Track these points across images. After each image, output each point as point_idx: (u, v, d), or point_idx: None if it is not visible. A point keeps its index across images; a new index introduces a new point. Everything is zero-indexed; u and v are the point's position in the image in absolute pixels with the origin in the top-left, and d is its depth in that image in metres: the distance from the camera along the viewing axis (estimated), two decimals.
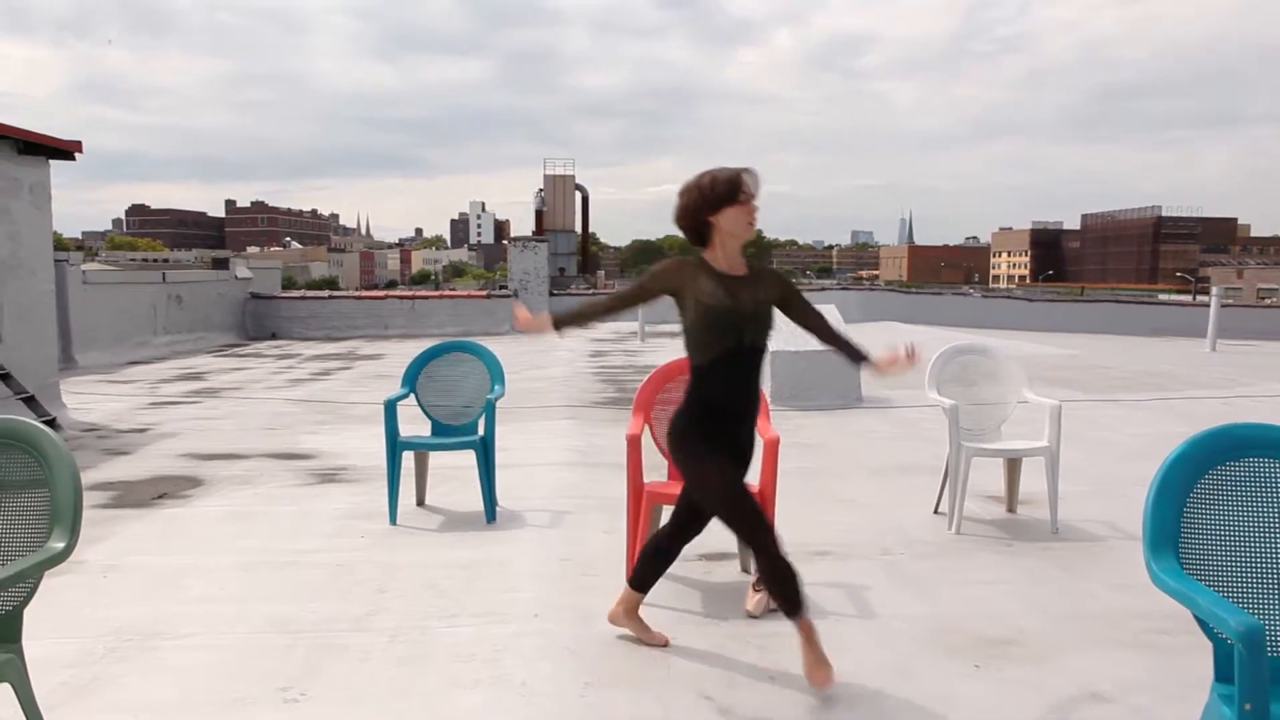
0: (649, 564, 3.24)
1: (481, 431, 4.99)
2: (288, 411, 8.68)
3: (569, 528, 4.76)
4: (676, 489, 3.85)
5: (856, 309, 18.96)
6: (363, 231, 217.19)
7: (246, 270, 19.00)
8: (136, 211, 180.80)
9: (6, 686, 2.26)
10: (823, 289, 27.31)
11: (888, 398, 8.18)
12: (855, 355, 3.15)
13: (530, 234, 31.40)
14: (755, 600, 3.55)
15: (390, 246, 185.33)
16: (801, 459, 6.13)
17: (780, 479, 3.72)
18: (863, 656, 3.15)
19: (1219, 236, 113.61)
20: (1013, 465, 4.97)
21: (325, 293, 22.40)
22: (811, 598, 3.38)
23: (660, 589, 3.82)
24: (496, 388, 5.08)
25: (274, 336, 17.76)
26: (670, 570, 4.06)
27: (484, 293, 20.84)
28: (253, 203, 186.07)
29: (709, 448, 2.92)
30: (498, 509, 4.95)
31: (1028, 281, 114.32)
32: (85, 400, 9.16)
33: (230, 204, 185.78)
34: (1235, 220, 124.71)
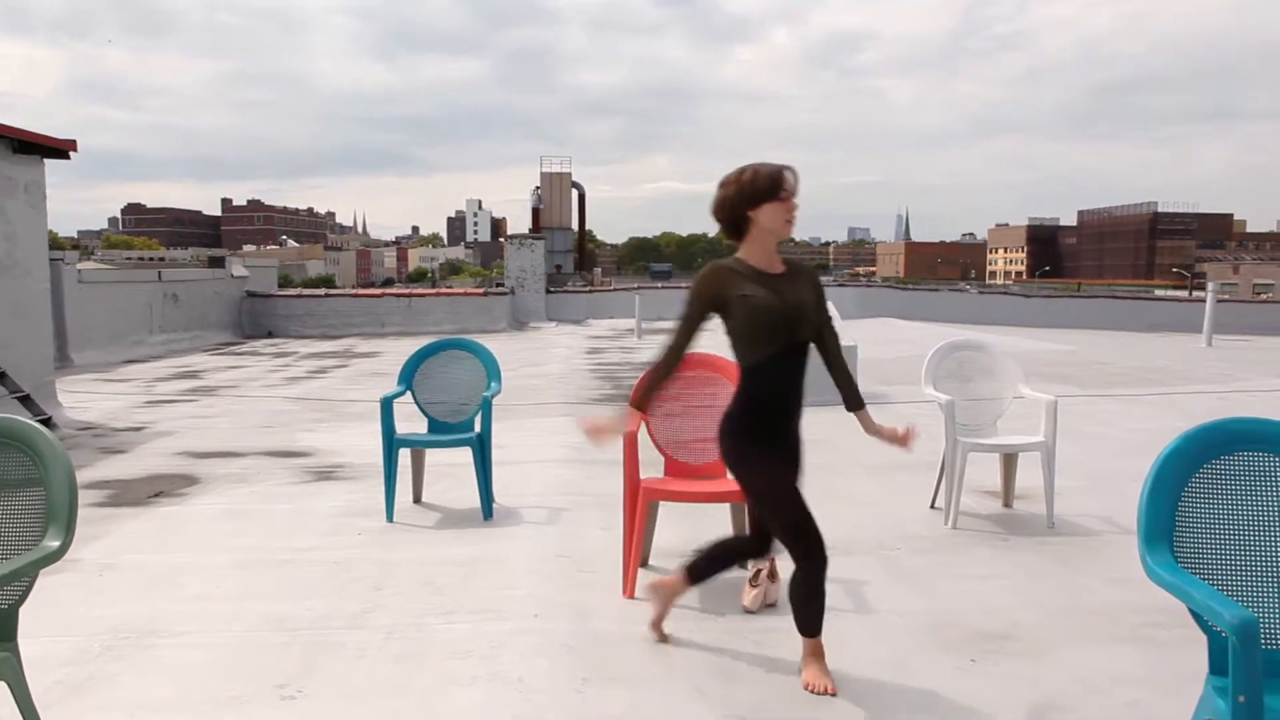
0: (714, 562, 3.18)
1: (478, 429, 4.99)
2: (284, 409, 8.67)
3: (566, 524, 4.76)
4: (673, 485, 3.87)
5: (853, 305, 18.98)
6: (359, 230, 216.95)
7: (243, 269, 18.96)
8: (132, 210, 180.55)
9: (2, 685, 2.26)
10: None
11: (884, 394, 8.18)
12: (852, 398, 3.06)
13: (527, 231, 31.39)
14: (752, 595, 3.55)
15: (387, 244, 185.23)
16: None
17: None
18: (860, 651, 3.15)
19: (1215, 232, 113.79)
20: (1009, 460, 4.98)
21: (321, 291, 22.37)
22: None
23: None
24: (493, 385, 5.08)
25: (270, 335, 17.73)
26: (667, 566, 4.07)
27: (480, 290, 20.82)
28: (249, 201, 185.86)
29: (760, 450, 2.88)
30: (494, 506, 4.95)
31: (1024, 277, 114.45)
32: (81, 399, 9.14)
33: (226, 203, 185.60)
34: (1231, 216, 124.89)
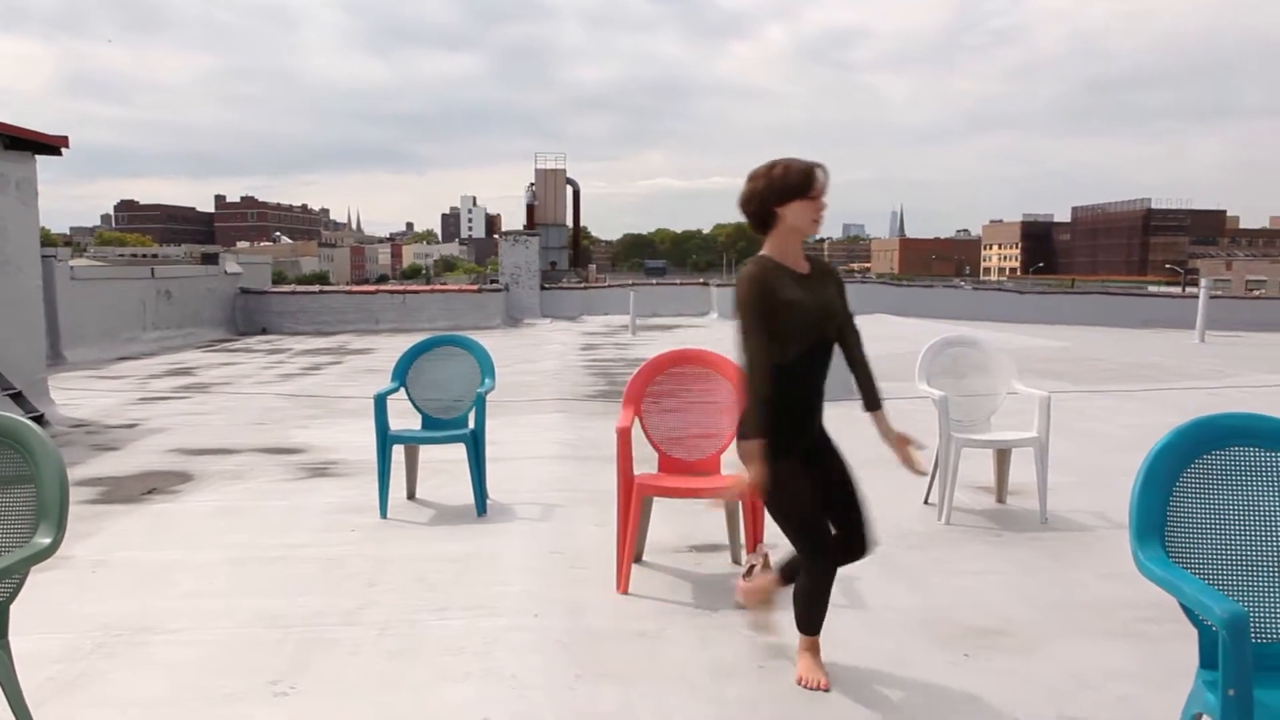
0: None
1: (472, 425, 4.98)
2: (278, 406, 8.65)
3: (559, 521, 4.76)
4: (667, 481, 3.87)
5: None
6: (353, 226, 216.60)
7: (236, 265, 18.91)
8: (125, 207, 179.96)
9: None
10: None
11: (879, 390, 8.18)
12: (870, 398, 2.97)
13: (521, 228, 31.37)
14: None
15: (381, 241, 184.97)
16: None
17: None
18: (853, 647, 3.16)
19: (1208, 228, 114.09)
20: (1002, 456, 4.99)
21: (316, 287, 22.32)
22: None
23: (651, 580, 3.84)
24: (487, 381, 5.08)
25: (264, 332, 17.70)
26: (661, 562, 4.08)
27: (475, 287, 20.79)
28: (243, 198, 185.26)
29: (783, 454, 2.82)
30: (488, 502, 4.95)
31: (1018, 274, 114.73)
32: (74, 396, 9.12)
33: (220, 199, 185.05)
34: (1224, 212, 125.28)
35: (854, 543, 2.90)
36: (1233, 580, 2.09)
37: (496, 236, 25.13)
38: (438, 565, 4.04)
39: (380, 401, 4.87)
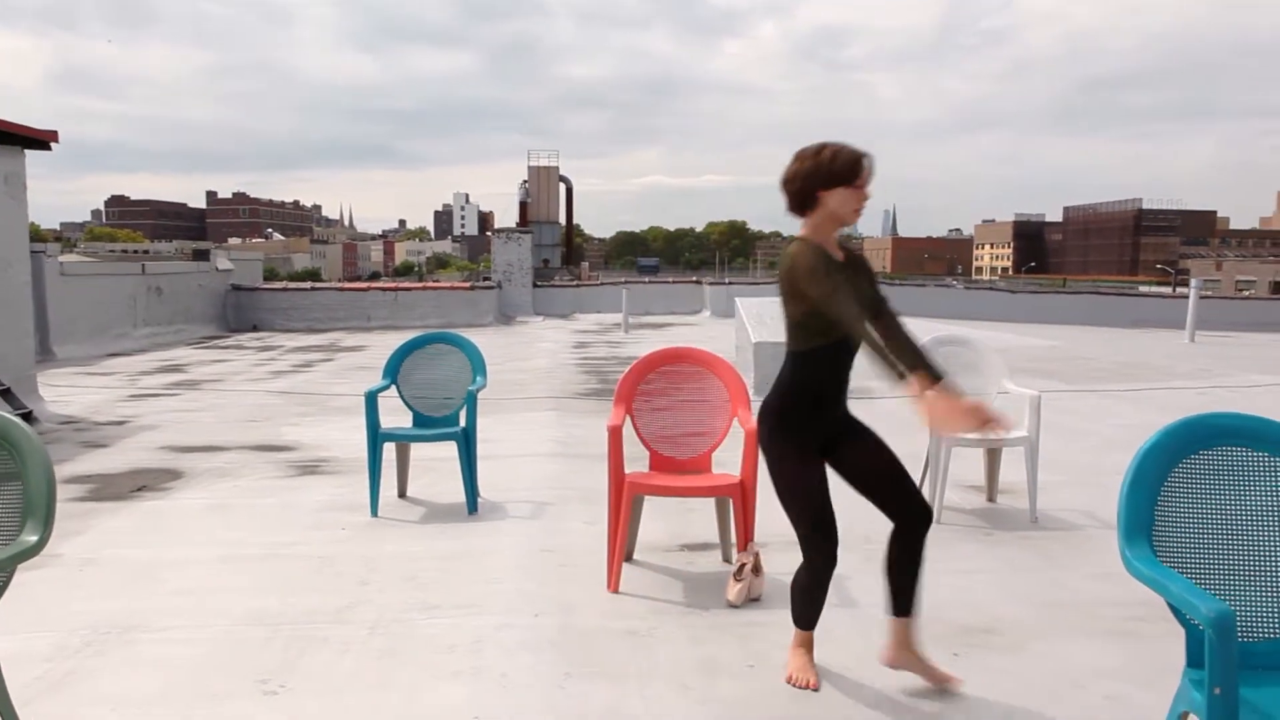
0: (893, 578, 2.90)
1: (463, 423, 4.98)
2: (269, 403, 8.63)
3: (550, 519, 4.76)
4: (658, 480, 3.87)
5: None
6: (346, 223, 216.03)
7: (227, 262, 18.83)
8: (116, 203, 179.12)
9: None
10: None
11: (869, 389, 8.18)
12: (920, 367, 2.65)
13: (514, 225, 31.33)
14: (736, 590, 3.55)
15: (374, 238, 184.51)
16: None
17: (762, 469, 3.72)
18: (843, 645, 3.16)
19: (1198, 229, 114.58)
20: (993, 455, 5.00)
21: (307, 284, 22.24)
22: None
23: (642, 579, 3.84)
24: (478, 379, 5.07)
25: (255, 328, 17.63)
26: (651, 560, 4.08)
27: (467, 284, 20.75)
28: (234, 194, 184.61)
29: (799, 444, 2.81)
30: (479, 500, 4.94)
31: (1010, 273, 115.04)
32: (63, 393, 9.07)
33: (211, 195, 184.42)
34: (1214, 213, 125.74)
35: (915, 515, 2.84)
36: (1220, 579, 2.10)
37: (489, 234, 25.05)
38: (428, 564, 4.04)
39: (371, 399, 4.86)
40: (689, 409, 4.05)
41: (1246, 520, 2.12)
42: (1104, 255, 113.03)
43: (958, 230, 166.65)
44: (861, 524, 4.54)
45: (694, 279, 25.00)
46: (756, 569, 3.63)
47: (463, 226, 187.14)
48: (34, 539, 2.22)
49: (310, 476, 5.71)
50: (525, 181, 44.69)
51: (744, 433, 3.73)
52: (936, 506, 4.66)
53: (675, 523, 4.59)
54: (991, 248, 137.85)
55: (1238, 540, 2.11)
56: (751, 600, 3.58)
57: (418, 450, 5.37)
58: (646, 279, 28.90)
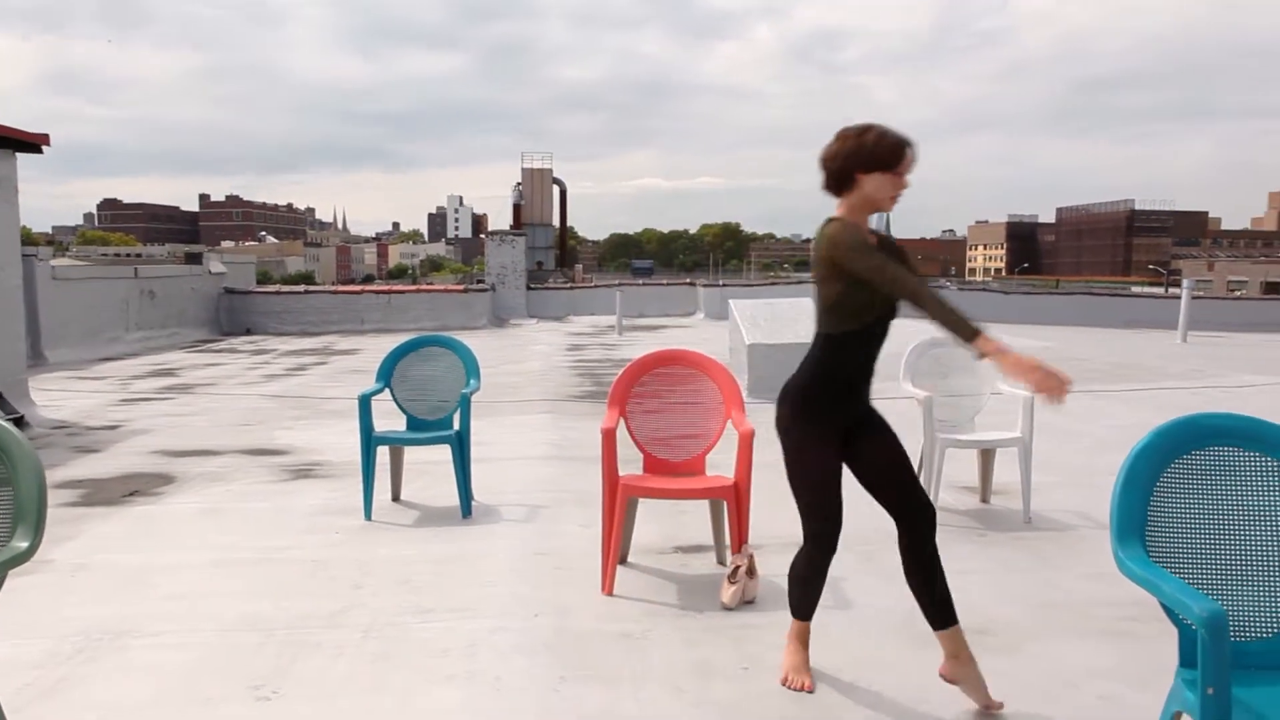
0: (915, 589, 2.84)
1: (457, 426, 4.97)
2: (262, 407, 8.60)
3: (544, 522, 4.75)
4: (651, 482, 3.86)
5: None
6: (339, 226, 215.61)
7: (220, 265, 18.78)
8: (108, 206, 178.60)
9: None
10: (800, 282, 27.41)
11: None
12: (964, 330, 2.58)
13: (508, 228, 31.31)
14: (730, 592, 3.55)
15: (367, 241, 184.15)
16: (779, 452, 6.15)
17: (756, 471, 3.73)
18: (837, 646, 3.16)
19: (1190, 229, 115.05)
20: (986, 456, 5.01)
21: (301, 287, 22.20)
22: (787, 589, 3.39)
23: (636, 581, 3.84)
24: (472, 382, 5.06)
25: (249, 332, 17.59)
26: (646, 563, 4.07)
27: (461, 287, 20.73)
28: (227, 197, 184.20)
29: (821, 433, 2.79)
30: (473, 504, 4.93)
31: (1003, 274, 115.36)
32: (55, 397, 9.04)
33: (204, 198, 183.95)
34: (1206, 214, 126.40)
35: (918, 514, 2.80)
36: (1212, 579, 2.10)
37: (483, 236, 25.06)
38: (422, 567, 4.03)
39: (364, 402, 4.85)
40: (683, 411, 4.05)
41: (1239, 520, 2.13)
42: (1097, 256, 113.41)
43: (951, 231, 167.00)
44: (857, 525, 4.54)
45: (688, 281, 25.03)
46: (751, 571, 3.63)
47: (456, 229, 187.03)
48: (25, 545, 2.20)
49: (304, 480, 5.69)
50: (519, 184, 44.69)
51: (738, 435, 3.73)
52: None
53: (669, 525, 4.59)
54: (985, 249, 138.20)
55: (1230, 540, 2.12)
56: (746, 603, 3.58)
57: (411, 454, 5.36)
58: (640, 281, 28.90)
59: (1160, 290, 40.92)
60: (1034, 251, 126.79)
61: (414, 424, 5.18)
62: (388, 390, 5.13)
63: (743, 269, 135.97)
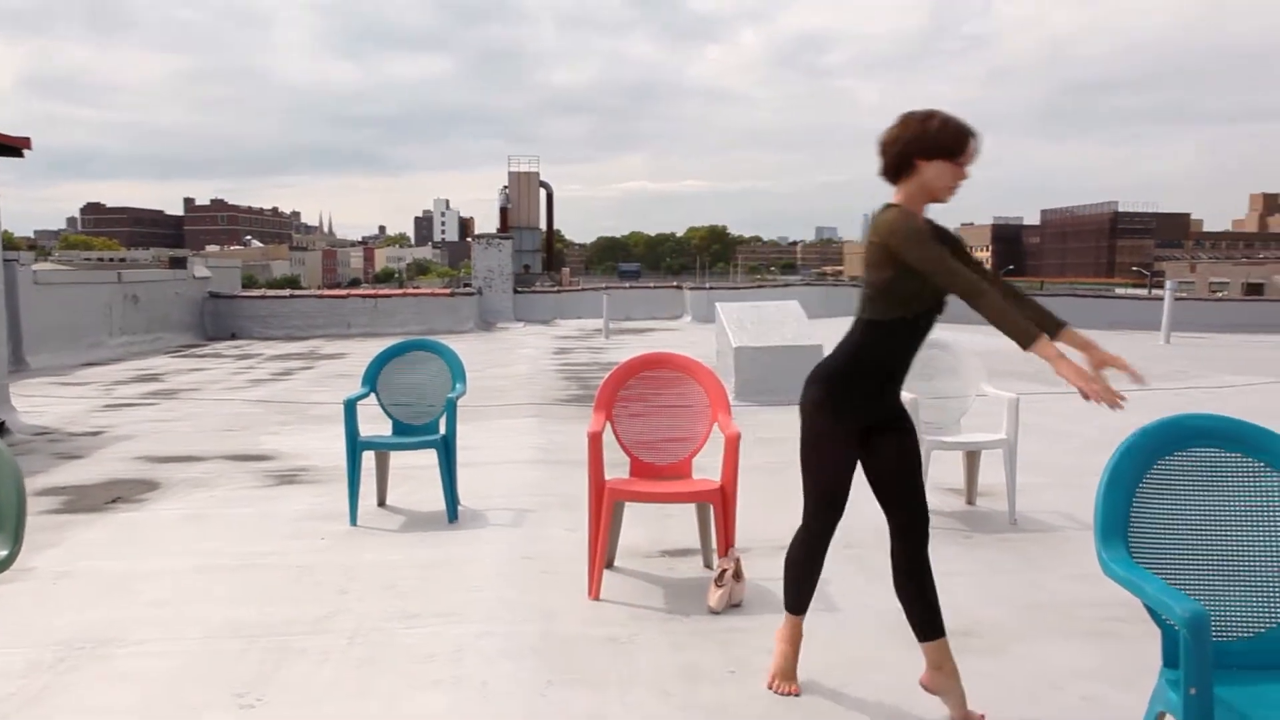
0: (906, 599, 2.83)
1: (443, 430, 4.95)
2: (247, 412, 8.55)
3: (531, 526, 4.74)
4: (638, 486, 3.86)
5: (820, 304, 19.10)
6: (325, 229, 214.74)
7: (205, 269, 18.67)
8: (92, 210, 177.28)
9: None
10: (787, 285, 27.50)
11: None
12: (1051, 320, 2.63)
13: (495, 231, 31.26)
14: (717, 596, 3.55)
15: (353, 244, 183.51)
16: (765, 454, 6.16)
17: (743, 475, 3.74)
18: (824, 648, 3.16)
19: (1173, 231, 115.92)
20: (972, 458, 5.03)
21: (286, 292, 22.09)
22: (774, 593, 3.40)
23: (623, 585, 3.83)
24: (458, 386, 5.05)
25: (234, 336, 17.49)
26: (632, 567, 4.07)
27: (448, 291, 20.68)
28: (212, 201, 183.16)
29: (846, 428, 2.73)
30: (459, 508, 4.92)
31: None
32: (37, 403, 8.96)
33: (189, 202, 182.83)
34: (1189, 216, 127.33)
35: (920, 524, 2.80)
36: (1195, 579, 2.11)
37: (469, 240, 25.00)
38: (408, 572, 4.01)
39: (350, 407, 4.82)
40: (669, 414, 4.05)
41: (1221, 521, 2.14)
42: (1081, 258, 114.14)
43: None
44: (846, 530, 4.56)
45: (675, 284, 25.04)
46: (737, 575, 3.63)
47: (443, 232, 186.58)
48: (4, 553, 2.18)
49: (289, 486, 5.66)
50: (506, 187, 44.65)
51: (724, 438, 3.73)
52: None
53: (656, 529, 4.58)
54: (971, 250, 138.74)
55: (1213, 540, 2.13)
56: (733, 606, 3.58)
57: (397, 458, 5.34)
58: (627, 284, 28.91)
59: (1144, 292, 41.19)
60: (1019, 253, 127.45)
61: (400, 429, 5.16)
62: (373, 395, 5.11)
63: (729, 272, 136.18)
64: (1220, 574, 2.12)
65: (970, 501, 5.06)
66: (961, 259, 2.65)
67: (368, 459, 4.92)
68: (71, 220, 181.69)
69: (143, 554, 4.35)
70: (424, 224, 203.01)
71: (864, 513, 4.81)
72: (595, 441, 3.69)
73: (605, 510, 3.70)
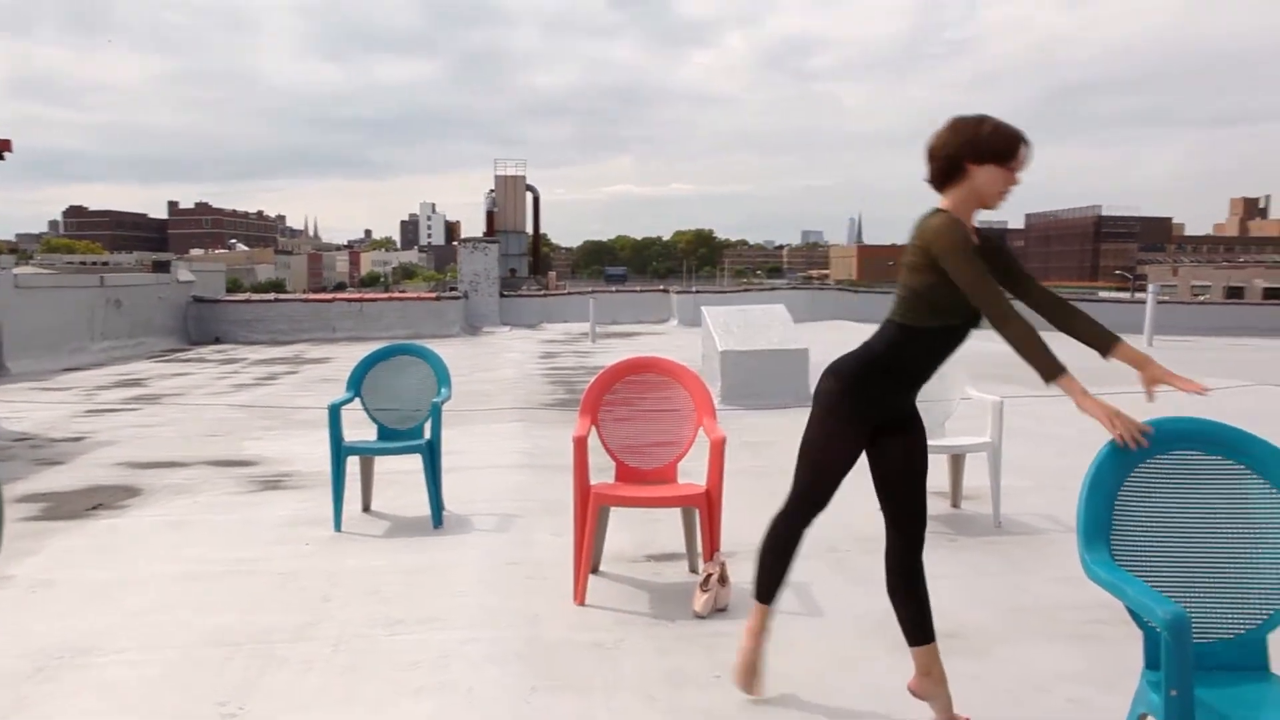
0: (898, 603, 2.82)
1: (428, 435, 4.93)
2: (231, 417, 8.50)
3: (516, 531, 4.73)
4: (624, 491, 3.86)
5: (805, 308, 19.15)
6: (311, 233, 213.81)
7: (189, 273, 18.56)
8: (74, 213, 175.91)
9: None
10: (773, 289, 27.57)
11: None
12: (1104, 336, 2.67)
13: (481, 235, 31.17)
14: (703, 600, 3.55)
15: (339, 248, 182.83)
16: (751, 458, 6.17)
17: (728, 479, 3.74)
18: (808, 652, 3.17)
19: (1156, 235, 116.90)
20: (956, 461, 5.05)
21: (271, 296, 21.99)
22: None
23: (608, 590, 3.82)
24: (443, 391, 5.03)
25: (218, 341, 17.38)
26: (618, 572, 4.06)
27: (433, 295, 20.63)
28: (197, 204, 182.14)
29: (858, 429, 2.71)
30: (444, 514, 4.90)
31: None
32: (17, 409, 8.88)
33: (173, 205, 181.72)
34: (1171, 219, 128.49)
35: (917, 529, 2.81)
36: (1176, 582, 2.12)
37: (456, 244, 24.93)
38: (392, 578, 3.99)
39: (334, 412, 4.80)
40: (655, 419, 4.05)
41: (1202, 524, 2.16)
42: (1065, 261, 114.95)
43: None
44: (827, 533, 4.57)
45: (661, 288, 25.04)
46: (723, 579, 3.63)
47: (429, 236, 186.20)
48: None
49: (272, 491, 5.62)
50: (492, 191, 44.55)
51: (710, 442, 3.73)
52: None
53: (641, 533, 4.58)
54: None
55: (1194, 543, 2.15)
56: (718, 610, 3.58)
57: (382, 463, 5.32)
58: (614, 288, 28.89)
59: (1126, 295, 41.50)
60: None
61: (385, 433, 5.13)
62: (358, 400, 5.08)
63: (716, 275, 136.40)
64: (1201, 576, 2.13)
65: (955, 505, 5.08)
66: (1014, 272, 2.64)
67: (352, 464, 4.90)
68: (54, 223, 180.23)
69: (124, 561, 4.31)
70: (410, 228, 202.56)
71: (843, 518, 4.83)
72: (580, 446, 3.69)
73: (590, 515, 3.69)
